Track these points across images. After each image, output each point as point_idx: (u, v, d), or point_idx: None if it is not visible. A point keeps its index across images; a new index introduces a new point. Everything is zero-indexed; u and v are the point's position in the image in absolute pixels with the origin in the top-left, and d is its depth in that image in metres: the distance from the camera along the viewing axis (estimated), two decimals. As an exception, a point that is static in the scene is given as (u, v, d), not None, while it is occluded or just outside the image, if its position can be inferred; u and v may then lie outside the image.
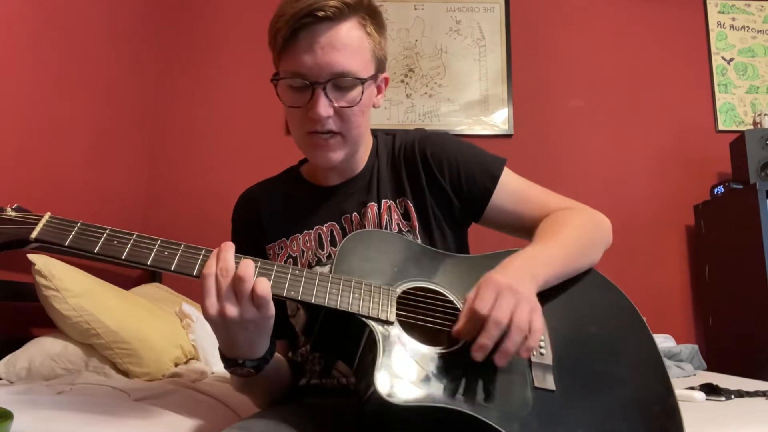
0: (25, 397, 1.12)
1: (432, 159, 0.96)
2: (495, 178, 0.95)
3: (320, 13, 0.82)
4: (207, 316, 0.70)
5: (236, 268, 0.70)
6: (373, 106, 0.95)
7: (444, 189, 0.95)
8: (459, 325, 0.72)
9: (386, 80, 0.98)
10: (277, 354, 0.90)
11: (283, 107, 0.90)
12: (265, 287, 0.70)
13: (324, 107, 0.84)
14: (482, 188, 0.95)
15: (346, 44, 0.84)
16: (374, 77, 0.90)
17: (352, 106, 0.86)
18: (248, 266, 0.70)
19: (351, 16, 0.85)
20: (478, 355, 0.69)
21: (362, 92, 0.86)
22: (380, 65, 0.92)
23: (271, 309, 0.71)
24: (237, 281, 0.69)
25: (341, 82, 0.85)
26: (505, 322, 0.69)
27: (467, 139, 1.05)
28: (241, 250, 1.01)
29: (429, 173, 0.96)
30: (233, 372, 0.78)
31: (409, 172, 0.97)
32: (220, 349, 0.77)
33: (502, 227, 0.99)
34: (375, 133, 1.04)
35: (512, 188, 0.96)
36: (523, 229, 0.97)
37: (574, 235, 0.88)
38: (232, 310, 0.69)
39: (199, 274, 0.71)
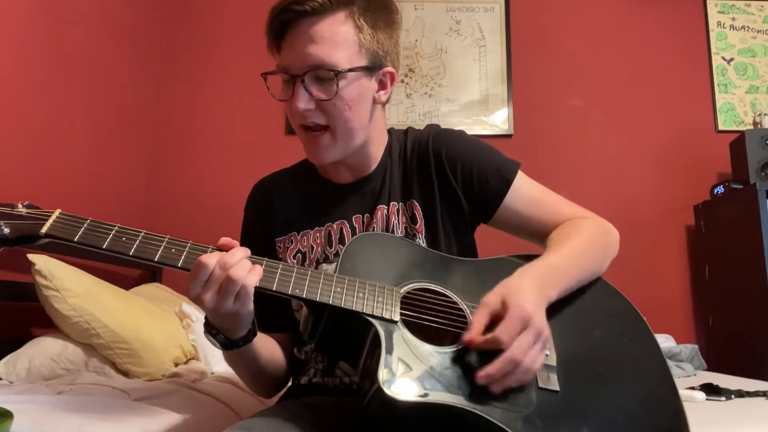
0: (25, 397, 1.12)
1: (446, 159, 0.95)
2: (508, 182, 0.94)
3: (297, 7, 0.83)
4: (189, 296, 0.73)
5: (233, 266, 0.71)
6: (375, 102, 0.93)
7: (455, 191, 0.95)
8: (477, 339, 0.71)
9: (391, 75, 0.94)
10: (268, 343, 0.92)
11: None
12: (250, 283, 0.72)
13: (302, 100, 0.85)
14: (494, 191, 0.94)
15: (326, 37, 0.84)
16: (366, 70, 0.88)
17: (330, 99, 0.85)
18: (242, 269, 0.71)
19: (338, 10, 0.85)
20: (482, 381, 0.69)
21: (337, 84, 0.84)
22: (375, 59, 0.89)
23: (249, 306, 0.73)
24: (227, 281, 0.70)
25: (319, 74, 0.84)
26: (519, 363, 0.69)
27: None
28: (251, 240, 1.00)
29: (441, 174, 0.95)
30: (207, 337, 0.80)
31: (420, 172, 0.97)
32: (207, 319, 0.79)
33: (511, 230, 0.98)
34: (390, 130, 1.04)
35: (524, 193, 0.95)
36: (533, 233, 0.97)
37: (586, 247, 0.88)
38: (210, 302, 0.71)
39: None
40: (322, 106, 0.86)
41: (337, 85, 0.84)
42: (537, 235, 0.96)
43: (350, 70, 0.85)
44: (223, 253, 0.72)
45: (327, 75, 0.84)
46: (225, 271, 0.70)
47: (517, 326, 0.70)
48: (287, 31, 0.86)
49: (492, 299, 0.74)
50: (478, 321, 0.72)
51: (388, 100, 0.98)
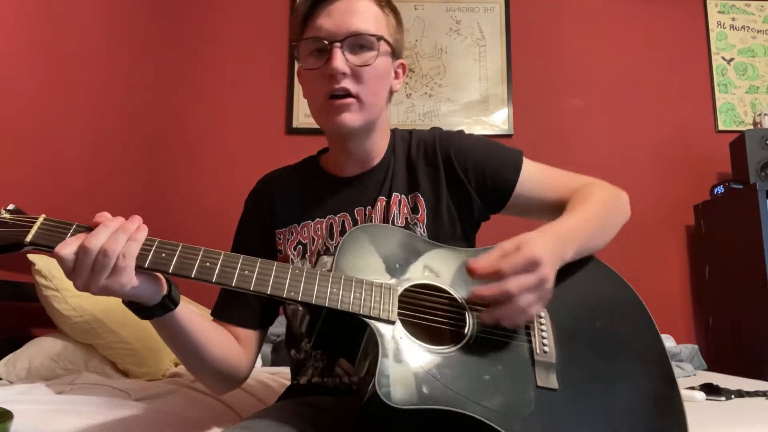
0: (25, 397, 1.12)
1: (456, 159, 0.97)
2: (518, 169, 0.97)
3: None
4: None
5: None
6: (392, 90, 0.98)
7: (466, 188, 0.96)
8: (477, 267, 0.74)
9: (403, 66, 1.01)
10: (210, 328, 0.87)
11: (302, 88, 0.97)
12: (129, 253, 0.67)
13: (341, 62, 0.87)
14: (507, 181, 0.97)
15: (364, 12, 0.90)
16: (391, 53, 0.94)
17: (368, 65, 0.89)
18: (113, 251, 0.66)
19: None
20: (472, 296, 0.74)
21: (378, 51, 0.90)
22: (396, 47, 0.96)
23: (123, 281, 0.67)
24: (100, 257, 0.66)
25: (359, 40, 0.89)
26: (511, 296, 0.71)
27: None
28: (249, 231, 1.01)
29: (451, 173, 0.97)
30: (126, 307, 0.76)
31: (426, 170, 0.98)
32: None
33: (525, 213, 1.01)
34: (393, 130, 1.05)
35: (533, 175, 0.98)
36: (547, 210, 0.99)
37: (600, 209, 0.92)
38: (80, 285, 0.67)
39: (196, 276, 0.70)
40: (356, 73, 0.89)
41: (378, 52, 0.90)
42: (550, 212, 0.98)
43: (387, 41, 0.92)
44: (84, 238, 0.66)
45: (365, 41, 0.89)
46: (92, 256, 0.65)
47: (521, 264, 0.73)
48: (319, 7, 0.90)
49: (508, 243, 0.76)
50: (488, 256, 0.75)
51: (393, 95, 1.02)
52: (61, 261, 0.66)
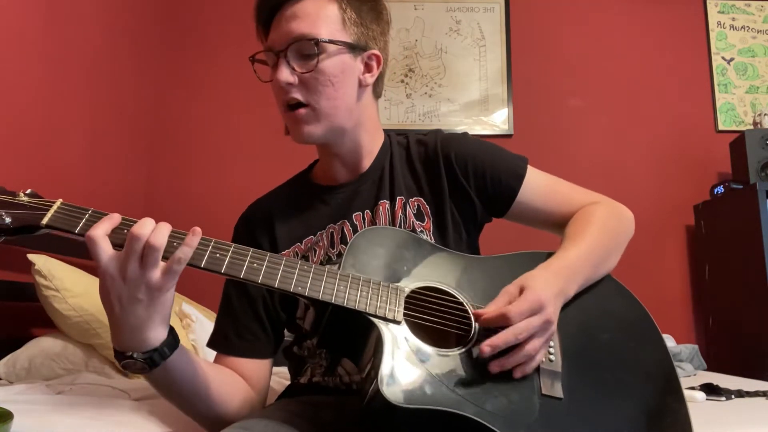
0: (25, 397, 1.12)
1: (456, 162, 0.95)
2: (520, 178, 0.95)
3: None
4: (100, 270, 0.68)
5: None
6: (362, 85, 0.93)
7: (467, 191, 0.95)
8: (487, 314, 0.73)
9: (377, 58, 0.94)
10: (203, 365, 0.83)
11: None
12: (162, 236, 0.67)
13: (284, 73, 0.86)
14: (507, 188, 0.95)
15: (309, 13, 0.86)
16: (349, 47, 0.89)
17: (311, 71, 0.86)
18: (162, 233, 0.68)
19: None
20: (486, 350, 0.71)
21: (318, 56, 0.85)
22: (360, 39, 0.90)
23: (173, 284, 0.69)
24: (147, 248, 0.67)
25: (301, 47, 0.86)
26: (521, 340, 0.71)
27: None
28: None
29: (452, 176, 0.95)
30: (125, 367, 0.71)
31: (428, 174, 0.97)
32: (114, 345, 0.71)
33: (527, 222, 0.99)
34: (387, 133, 1.04)
35: (536, 186, 0.97)
36: (549, 223, 0.98)
37: (602, 237, 0.89)
38: (132, 272, 0.67)
39: (206, 266, 0.71)
40: (303, 81, 0.87)
41: (318, 57, 0.85)
42: (552, 225, 0.98)
43: (331, 41, 0.87)
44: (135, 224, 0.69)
45: (308, 48, 0.86)
46: (142, 242, 0.66)
47: (527, 307, 0.72)
48: (274, 16, 0.90)
49: (512, 287, 0.76)
50: (494, 303, 0.75)
51: (379, 88, 0.98)
52: (95, 242, 0.67)
